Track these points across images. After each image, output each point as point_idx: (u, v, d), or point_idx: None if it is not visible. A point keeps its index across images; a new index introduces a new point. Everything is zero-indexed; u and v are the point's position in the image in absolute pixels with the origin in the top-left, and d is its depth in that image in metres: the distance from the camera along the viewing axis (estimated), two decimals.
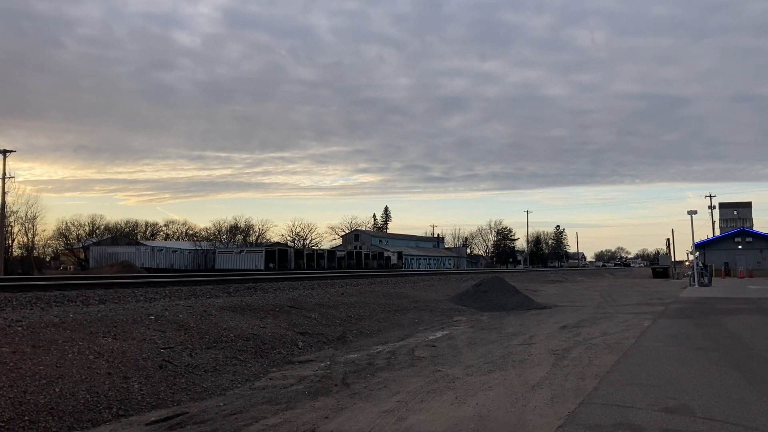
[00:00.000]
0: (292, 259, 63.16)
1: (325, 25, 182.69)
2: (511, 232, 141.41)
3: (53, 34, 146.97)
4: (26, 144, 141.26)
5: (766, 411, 5.78)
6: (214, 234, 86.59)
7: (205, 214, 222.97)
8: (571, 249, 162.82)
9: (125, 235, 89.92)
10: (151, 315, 9.96)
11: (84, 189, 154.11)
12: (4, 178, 52.52)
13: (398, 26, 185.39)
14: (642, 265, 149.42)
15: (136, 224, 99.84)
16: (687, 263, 63.40)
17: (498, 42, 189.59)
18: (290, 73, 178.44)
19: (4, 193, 52.69)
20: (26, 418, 5.59)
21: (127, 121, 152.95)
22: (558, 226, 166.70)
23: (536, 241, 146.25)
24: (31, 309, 10.95)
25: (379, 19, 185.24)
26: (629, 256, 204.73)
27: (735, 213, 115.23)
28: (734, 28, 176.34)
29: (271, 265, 59.44)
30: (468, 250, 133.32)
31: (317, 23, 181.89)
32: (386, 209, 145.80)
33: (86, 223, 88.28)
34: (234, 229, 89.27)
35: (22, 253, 64.59)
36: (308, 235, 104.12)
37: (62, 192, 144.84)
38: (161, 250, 66.80)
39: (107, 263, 58.30)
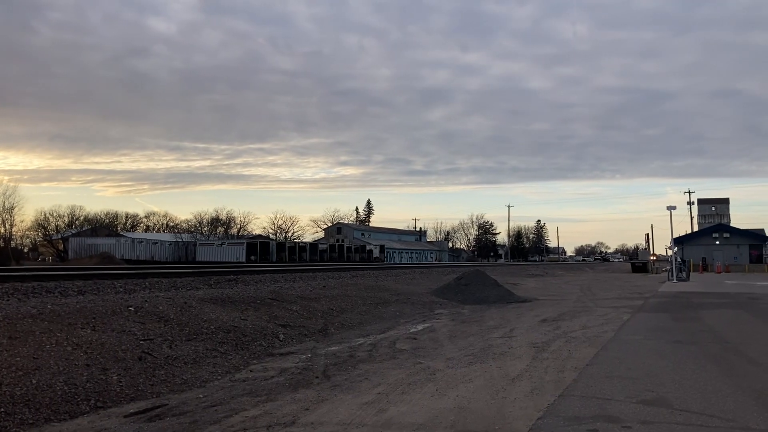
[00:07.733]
0: (273, 252, 63.08)
1: (304, 12, 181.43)
2: (492, 226, 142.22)
3: (23, 17, 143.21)
4: (0, 132, 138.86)
5: (742, 403, 5.88)
6: (195, 226, 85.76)
7: (185, 206, 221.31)
8: (552, 243, 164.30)
9: (105, 226, 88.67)
10: (131, 306, 9.86)
11: (61, 179, 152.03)
12: None
13: (379, 15, 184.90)
14: (621, 259, 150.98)
15: (116, 215, 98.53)
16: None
17: (480, 33, 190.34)
18: (269, 61, 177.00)
19: None
20: (2, 409, 5.51)
21: (104, 109, 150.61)
22: (539, 220, 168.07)
23: (517, 236, 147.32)
24: (8, 300, 10.79)
25: (360, 7, 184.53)
26: (609, 251, 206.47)
27: (713, 209, 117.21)
28: (717, 21, 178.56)
29: (252, 257, 59.29)
30: (450, 244, 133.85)
31: (296, 10, 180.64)
32: (369, 202, 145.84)
33: (65, 214, 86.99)
34: (215, 222, 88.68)
35: None
36: (290, 228, 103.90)
37: (38, 182, 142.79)
38: (141, 241, 66.22)
39: (87, 254, 57.68)
